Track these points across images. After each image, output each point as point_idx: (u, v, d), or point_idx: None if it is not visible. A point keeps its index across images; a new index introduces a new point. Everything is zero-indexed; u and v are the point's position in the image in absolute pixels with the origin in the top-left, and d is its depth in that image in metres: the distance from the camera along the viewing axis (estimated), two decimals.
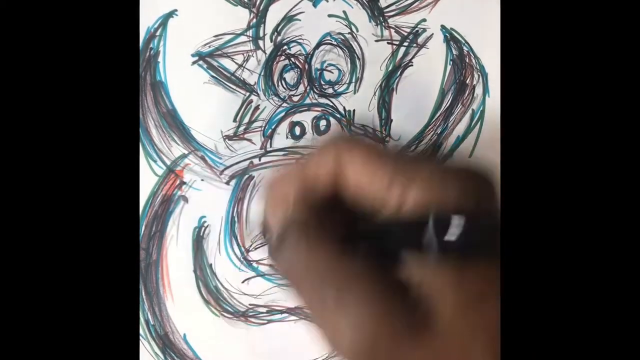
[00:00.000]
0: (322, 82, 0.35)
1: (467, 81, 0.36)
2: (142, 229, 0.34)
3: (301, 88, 0.35)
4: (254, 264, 0.35)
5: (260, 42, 0.34)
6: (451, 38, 0.35)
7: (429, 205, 0.23)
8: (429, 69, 0.35)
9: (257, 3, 0.34)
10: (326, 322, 0.23)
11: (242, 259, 0.35)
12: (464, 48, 0.35)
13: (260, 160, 0.35)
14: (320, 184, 0.24)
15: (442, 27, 0.35)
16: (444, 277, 0.22)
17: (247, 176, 0.35)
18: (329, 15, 0.34)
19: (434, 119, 0.36)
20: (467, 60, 0.35)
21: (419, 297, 0.22)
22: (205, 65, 0.34)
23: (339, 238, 0.24)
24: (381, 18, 0.35)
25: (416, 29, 0.35)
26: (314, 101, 0.35)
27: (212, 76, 0.34)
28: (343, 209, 0.25)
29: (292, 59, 0.34)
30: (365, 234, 0.25)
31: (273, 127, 0.35)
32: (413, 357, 0.22)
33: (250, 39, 0.34)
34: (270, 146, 0.35)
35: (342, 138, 0.25)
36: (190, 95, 0.34)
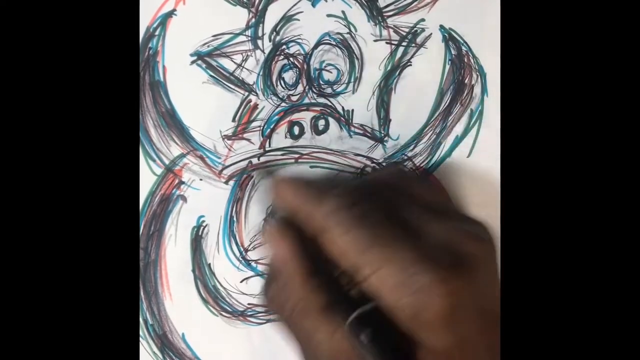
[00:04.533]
0: (321, 82, 0.35)
1: (466, 81, 0.36)
2: (141, 228, 0.34)
3: (300, 88, 0.35)
4: (253, 264, 0.35)
5: (259, 42, 0.34)
6: (450, 38, 0.35)
7: (383, 294, 0.25)
8: (428, 68, 0.35)
9: (256, 3, 0.34)
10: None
11: (240, 259, 0.35)
12: (463, 48, 0.35)
13: (259, 159, 0.35)
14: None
15: (441, 27, 0.35)
16: None
17: (245, 176, 0.35)
18: (328, 15, 0.34)
19: (432, 119, 0.36)
20: (465, 60, 0.35)
21: None
22: (204, 65, 0.34)
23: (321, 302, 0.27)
24: (380, 18, 0.35)
25: (415, 28, 0.35)
26: (313, 101, 0.35)
27: (211, 76, 0.34)
28: (326, 264, 0.28)
29: (291, 58, 0.34)
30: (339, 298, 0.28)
31: (272, 126, 0.35)
32: None
33: (249, 38, 0.34)
34: (269, 146, 0.35)
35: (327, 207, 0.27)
36: (189, 94, 0.34)
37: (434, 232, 0.27)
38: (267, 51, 0.34)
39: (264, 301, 0.30)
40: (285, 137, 0.35)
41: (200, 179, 0.34)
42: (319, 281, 0.28)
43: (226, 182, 0.35)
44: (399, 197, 0.30)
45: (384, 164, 0.35)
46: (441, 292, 0.24)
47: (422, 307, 0.25)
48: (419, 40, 0.35)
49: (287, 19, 0.34)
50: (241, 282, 0.35)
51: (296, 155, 0.35)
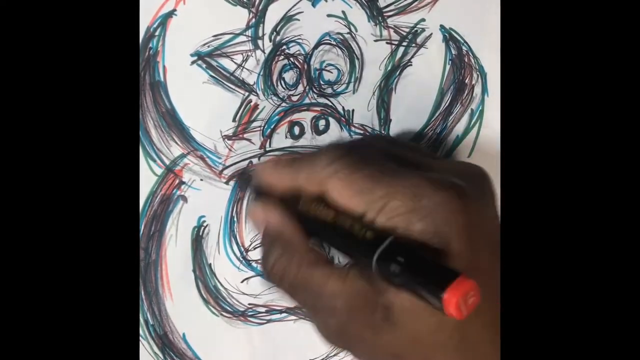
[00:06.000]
0: (321, 82, 0.35)
1: (466, 81, 0.36)
2: (141, 228, 0.34)
3: (300, 88, 0.35)
4: (253, 264, 0.35)
5: (260, 42, 0.34)
6: (450, 38, 0.35)
7: (397, 225, 0.25)
8: (428, 68, 0.35)
9: (256, 3, 0.34)
10: (312, 320, 0.28)
11: (241, 259, 0.35)
12: (463, 48, 0.35)
13: (259, 160, 0.35)
14: (306, 192, 0.28)
15: (441, 26, 0.35)
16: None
17: (246, 176, 0.35)
18: (328, 15, 0.34)
19: (433, 119, 0.36)
20: (466, 60, 0.35)
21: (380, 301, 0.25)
22: (204, 65, 0.34)
23: (306, 249, 0.28)
24: (380, 18, 0.35)
25: (415, 28, 0.35)
26: (313, 101, 0.35)
27: (211, 76, 0.34)
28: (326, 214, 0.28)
29: (291, 58, 0.34)
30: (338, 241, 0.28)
31: (272, 126, 0.35)
32: (379, 341, 0.25)
33: (250, 38, 0.34)
34: (270, 146, 0.35)
35: (328, 164, 0.27)
36: (190, 95, 0.34)
37: (434, 166, 0.27)
38: (267, 51, 0.34)
39: (265, 275, 0.29)
40: (286, 137, 0.35)
41: (201, 179, 0.34)
42: (318, 240, 0.28)
43: (227, 183, 0.35)
44: (392, 145, 0.30)
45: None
46: (454, 208, 0.25)
47: (439, 225, 0.25)
48: (419, 40, 0.35)
49: (287, 19, 0.34)
50: (242, 282, 0.35)
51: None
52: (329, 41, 0.34)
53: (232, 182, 0.35)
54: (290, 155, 0.29)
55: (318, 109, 0.35)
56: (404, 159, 0.28)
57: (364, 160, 0.27)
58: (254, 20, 0.34)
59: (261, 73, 0.34)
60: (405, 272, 0.24)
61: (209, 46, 0.34)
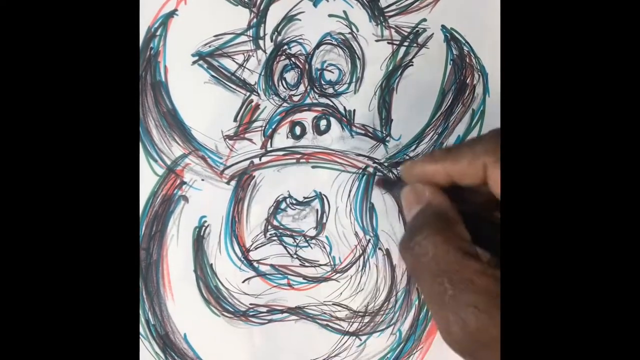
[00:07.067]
0: (323, 82, 0.35)
1: (468, 81, 0.36)
2: (143, 228, 0.34)
3: (301, 88, 0.35)
4: (255, 264, 0.35)
5: (261, 42, 0.34)
6: (451, 38, 0.35)
7: None
8: (430, 68, 0.35)
9: (258, 3, 0.34)
10: (440, 315, 0.25)
11: (242, 259, 0.35)
12: (464, 48, 0.35)
13: (260, 160, 0.35)
14: (465, 182, 0.27)
15: (443, 27, 0.35)
16: None
17: (247, 176, 0.35)
18: (329, 15, 0.34)
19: (434, 119, 0.36)
20: (467, 60, 0.35)
21: None
22: (205, 65, 0.34)
23: (465, 238, 0.26)
24: (381, 18, 0.35)
25: (416, 28, 0.35)
26: (315, 101, 0.35)
27: (213, 76, 0.34)
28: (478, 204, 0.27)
29: (293, 58, 0.34)
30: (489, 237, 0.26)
31: (273, 126, 0.35)
32: None
33: (251, 38, 0.34)
34: (271, 146, 0.35)
35: (491, 149, 0.26)
36: (191, 95, 0.34)
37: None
38: (268, 51, 0.34)
39: (407, 241, 0.27)
40: (287, 137, 0.35)
41: (202, 179, 0.34)
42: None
43: (228, 183, 0.35)
44: None
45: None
46: None
47: None
48: (420, 40, 0.35)
49: (288, 19, 0.34)
50: (243, 282, 0.35)
51: (298, 156, 0.35)
52: (330, 41, 0.34)
53: (233, 182, 0.35)
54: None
55: (319, 109, 0.35)
56: None
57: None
58: (255, 20, 0.34)
59: (262, 73, 0.34)
60: None
61: (210, 46, 0.34)
